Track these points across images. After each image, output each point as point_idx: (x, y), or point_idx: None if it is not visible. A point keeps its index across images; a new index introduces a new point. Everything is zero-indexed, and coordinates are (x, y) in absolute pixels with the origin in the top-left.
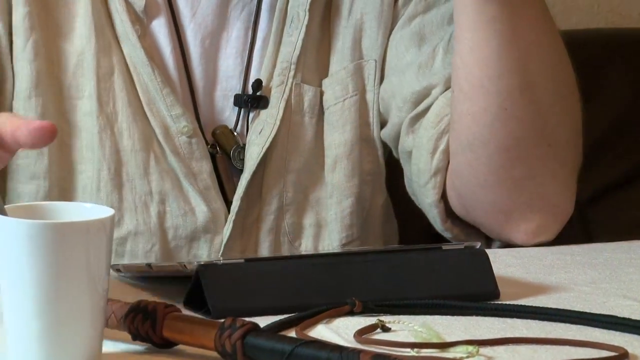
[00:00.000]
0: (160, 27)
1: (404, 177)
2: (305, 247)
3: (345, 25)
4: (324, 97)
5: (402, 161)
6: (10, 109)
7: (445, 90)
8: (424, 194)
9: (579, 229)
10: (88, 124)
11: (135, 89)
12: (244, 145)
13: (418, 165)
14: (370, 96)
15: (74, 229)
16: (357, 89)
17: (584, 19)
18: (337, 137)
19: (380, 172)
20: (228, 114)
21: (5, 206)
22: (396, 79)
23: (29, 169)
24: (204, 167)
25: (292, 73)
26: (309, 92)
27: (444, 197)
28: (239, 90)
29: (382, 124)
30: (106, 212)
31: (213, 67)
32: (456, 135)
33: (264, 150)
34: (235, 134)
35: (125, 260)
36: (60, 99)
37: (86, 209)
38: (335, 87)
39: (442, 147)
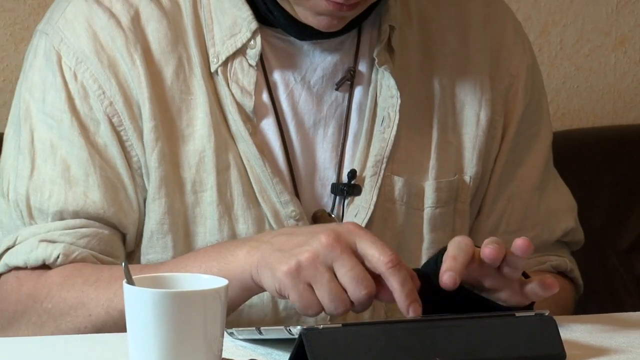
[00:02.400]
0: (269, 126)
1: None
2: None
3: (442, 137)
4: (426, 196)
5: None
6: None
7: None
8: None
9: (637, 299)
10: (210, 213)
11: (249, 180)
12: None
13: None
14: (465, 207)
15: (193, 297)
16: (457, 199)
17: None
18: (439, 236)
19: None
20: (326, 200)
21: (134, 277)
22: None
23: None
24: None
25: (384, 166)
26: (398, 183)
27: None
28: (334, 179)
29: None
30: (221, 282)
31: (312, 159)
32: None
33: None
34: (332, 216)
35: None
36: (186, 195)
37: (204, 280)
38: (437, 194)
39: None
